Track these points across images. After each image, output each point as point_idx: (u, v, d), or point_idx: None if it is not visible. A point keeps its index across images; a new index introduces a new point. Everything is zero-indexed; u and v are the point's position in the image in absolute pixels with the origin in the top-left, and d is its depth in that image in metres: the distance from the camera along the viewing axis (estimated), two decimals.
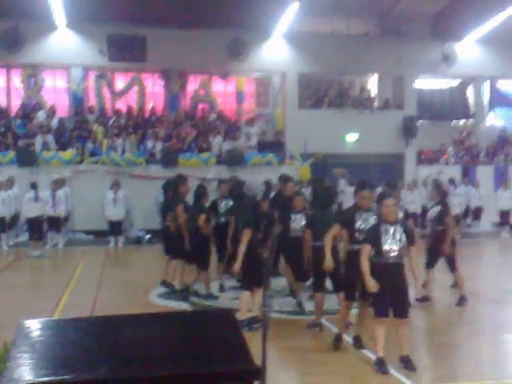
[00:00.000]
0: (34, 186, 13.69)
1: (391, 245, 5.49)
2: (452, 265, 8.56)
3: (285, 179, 9.22)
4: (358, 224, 6.12)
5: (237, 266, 6.97)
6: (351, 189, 10.42)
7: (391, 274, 5.49)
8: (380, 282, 5.43)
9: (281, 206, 8.39)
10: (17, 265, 12.47)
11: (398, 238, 5.51)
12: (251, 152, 17.01)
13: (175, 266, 8.96)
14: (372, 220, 6.05)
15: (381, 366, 5.50)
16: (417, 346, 6.64)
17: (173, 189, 9.05)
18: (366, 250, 5.53)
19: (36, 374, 2.68)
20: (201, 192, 8.55)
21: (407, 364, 5.54)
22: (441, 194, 8.77)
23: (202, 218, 8.26)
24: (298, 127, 18.01)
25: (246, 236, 6.92)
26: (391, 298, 5.48)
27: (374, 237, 5.53)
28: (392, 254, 5.47)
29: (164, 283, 9.15)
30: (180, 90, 19.01)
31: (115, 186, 14.86)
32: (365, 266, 5.50)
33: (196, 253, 8.37)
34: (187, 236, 8.38)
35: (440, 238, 8.40)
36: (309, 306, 7.78)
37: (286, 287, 8.72)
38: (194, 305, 8.20)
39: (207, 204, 8.94)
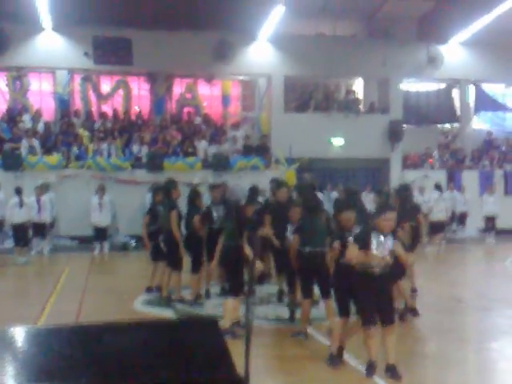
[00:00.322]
0: (18, 191, 13.55)
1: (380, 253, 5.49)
2: None
3: (278, 184, 8.96)
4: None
5: (213, 264, 7.24)
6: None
7: (376, 281, 5.49)
8: (366, 289, 5.46)
9: (274, 213, 8.05)
10: (1, 272, 12.35)
11: (387, 247, 5.51)
12: (237, 156, 17.02)
13: (163, 270, 8.93)
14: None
15: (370, 371, 5.56)
16: (402, 355, 6.66)
17: (164, 194, 8.99)
18: (353, 249, 5.50)
19: (17, 382, 2.67)
20: (194, 196, 8.74)
21: (393, 373, 5.54)
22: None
23: (197, 218, 8.34)
24: (283, 131, 18.05)
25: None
26: (377, 306, 5.50)
27: (364, 242, 5.51)
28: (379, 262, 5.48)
29: (149, 289, 9.14)
30: (166, 94, 18.97)
31: (100, 191, 14.76)
32: (331, 260, 5.73)
33: (191, 255, 8.63)
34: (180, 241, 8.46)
35: None
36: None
37: (272, 294, 8.75)
38: (177, 312, 8.17)
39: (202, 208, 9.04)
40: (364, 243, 5.49)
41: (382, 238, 5.49)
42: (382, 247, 5.47)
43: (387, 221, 5.51)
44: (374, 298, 5.45)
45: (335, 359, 5.94)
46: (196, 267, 8.63)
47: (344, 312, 6.11)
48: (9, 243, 14.73)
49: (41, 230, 14.22)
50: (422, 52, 19.74)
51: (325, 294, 6.81)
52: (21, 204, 13.37)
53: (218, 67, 18.59)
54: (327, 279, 6.63)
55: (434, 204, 16.27)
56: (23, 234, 13.46)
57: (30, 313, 7.92)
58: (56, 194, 15.08)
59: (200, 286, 8.87)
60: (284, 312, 7.87)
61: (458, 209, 17.47)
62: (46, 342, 3.07)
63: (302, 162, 17.37)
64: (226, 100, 19.67)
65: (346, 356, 6.15)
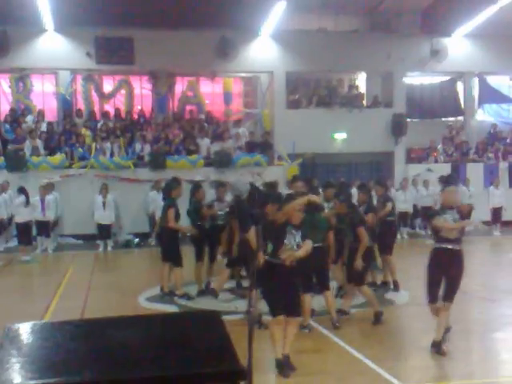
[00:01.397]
0: (23, 190, 13.64)
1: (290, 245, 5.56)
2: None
3: (293, 178, 9.26)
4: None
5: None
6: None
7: (284, 273, 5.55)
8: (276, 280, 5.50)
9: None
10: (7, 270, 12.41)
11: (297, 240, 5.61)
12: (239, 153, 17.02)
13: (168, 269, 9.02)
14: None
15: (280, 368, 5.54)
16: (407, 346, 6.69)
17: (166, 192, 9.14)
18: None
19: (22, 377, 2.69)
20: (195, 189, 9.03)
21: (287, 363, 5.58)
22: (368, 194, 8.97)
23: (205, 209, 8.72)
24: (286, 127, 18.03)
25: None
26: (284, 297, 5.53)
27: (278, 235, 5.57)
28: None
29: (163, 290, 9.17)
30: (168, 92, 18.99)
31: (104, 189, 14.83)
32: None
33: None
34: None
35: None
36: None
37: None
38: (181, 307, 8.22)
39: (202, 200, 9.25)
40: (279, 238, 5.59)
41: (293, 230, 5.55)
42: (292, 239, 5.51)
43: (297, 212, 5.63)
44: (283, 288, 5.51)
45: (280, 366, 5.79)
46: (199, 256, 8.97)
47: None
48: (14, 242, 14.85)
49: (45, 228, 14.31)
50: (426, 45, 19.66)
51: (324, 288, 7.09)
52: (27, 203, 13.46)
53: (219, 65, 18.58)
54: (327, 273, 6.99)
55: (439, 197, 16.24)
56: (27, 233, 13.54)
57: (35, 310, 7.98)
58: (60, 193, 15.14)
59: (201, 279, 9.06)
60: None
61: (463, 202, 17.41)
62: (51, 336, 3.09)
63: (306, 157, 17.37)
64: (228, 97, 19.66)
65: (352, 349, 6.17)
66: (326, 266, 7.05)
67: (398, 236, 16.01)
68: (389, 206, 9.28)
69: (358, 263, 7.17)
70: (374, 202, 9.48)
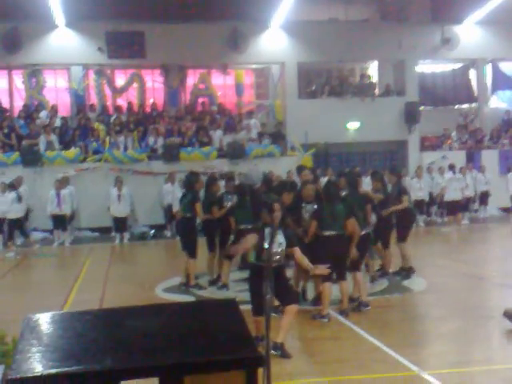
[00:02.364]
0: (13, 187, 13.85)
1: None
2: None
3: (300, 168, 9.47)
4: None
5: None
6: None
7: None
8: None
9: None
10: (26, 263, 12.56)
11: (280, 241, 5.66)
12: (252, 144, 17.02)
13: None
14: None
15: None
16: (426, 332, 6.67)
17: (188, 186, 9.30)
18: (250, 240, 5.67)
19: (43, 365, 2.72)
20: (210, 182, 9.27)
21: (282, 351, 5.63)
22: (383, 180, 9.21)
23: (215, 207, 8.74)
24: (298, 117, 17.99)
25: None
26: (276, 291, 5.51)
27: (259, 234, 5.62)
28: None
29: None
30: (180, 85, 19.03)
31: (118, 182, 14.93)
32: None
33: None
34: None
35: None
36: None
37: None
38: (198, 297, 8.30)
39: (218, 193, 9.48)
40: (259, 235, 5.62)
41: (269, 230, 5.52)
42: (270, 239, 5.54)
43: (276, 212, 5.64)
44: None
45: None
46: (211, 247, 9.17)
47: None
48: (32, 235, 15.05)
49: (61, 222, 14.47)
50: (437, 33, 19.49)
51: (341, 276, 7.11)
52: (18, 199, 13.70)
53: (231, 57, 18.56)
54: (344, 262, 7.02)
55: (447, 184, 16.19)
56: (21, 229, 13.95)
57: (54, 302, 8.07)
58: (75, 187, 15.27)
59: (213, 269, 9.21)
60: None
61: (479, 188, 17.33)
62: (71, 326, 3.13)
63: (318, 147, 17.33)
64: (239, 89, 19.65)
65: (370, 336, 6.17)
66: (344, 255, 7.08)
67: (414, 224, 16.04)
68: (405, 199, 9.23)
69: (353, 252, 7.20)
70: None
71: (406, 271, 9.23)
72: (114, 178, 15.15)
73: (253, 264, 5.74)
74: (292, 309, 5.76)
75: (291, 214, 7.25)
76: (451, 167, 16.57)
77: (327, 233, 6.98)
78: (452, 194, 16.10)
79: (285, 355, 5.62)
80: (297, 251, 5.86)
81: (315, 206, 7.41)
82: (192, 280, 8.91)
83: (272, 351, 6.12)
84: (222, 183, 10.35)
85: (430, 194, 16.68)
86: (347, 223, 7.09)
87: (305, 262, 5.94)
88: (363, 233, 7.48)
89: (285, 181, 10.08)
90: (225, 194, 9.45)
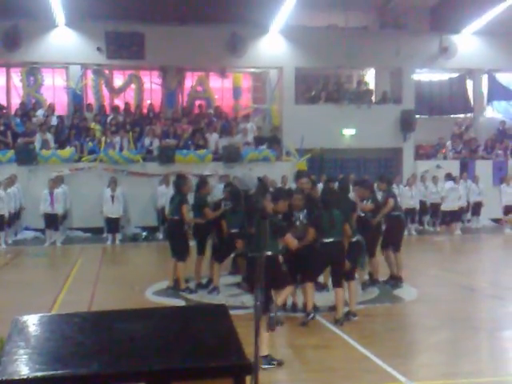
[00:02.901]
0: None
1: None
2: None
3: (298, 174, 9.27)
4: None
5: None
6: None
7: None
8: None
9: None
10: (15, 263, 12.50)
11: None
12: (248, 148, 17.02)
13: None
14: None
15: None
16: (416, 343, 6.68)
17: (176, 188, 9.28)
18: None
19: (29, 368, 2.71)
20: (200, 184, 9.18)
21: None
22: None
23: (208, 210, 8.80)
24: (294, 122, 18.01)
25: None
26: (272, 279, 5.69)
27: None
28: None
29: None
30: (177, 87, 19.02)
31: (112, 183, 14.90)
32: None
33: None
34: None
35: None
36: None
37: None
38: (189, 301, 8.27)
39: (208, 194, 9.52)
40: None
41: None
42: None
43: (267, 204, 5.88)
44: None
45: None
46: (200, 250, 9.13)
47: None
48: (23, 235, 15.00)
49: (54, 221, 14.41)
50: (435, 42, 19.58)
51: (338, 283, 7.10)
52: None
53: (229, 60, 18.58)
54: (341, 269, 7.03)
55: (447, 194, 16.24)
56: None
57: (43, 302, 8.03)
58: (69, 186, 15.24)
59: (200, 273, 9.18)
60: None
61: (473, 199, 17.38)
62: (59, 328, 3.12)
63: (314, 152, 17.36)
64: (237, 92, 19.67)
65: (360, 346, 6.17)
66: (341, 262, 7.08)
67: (406, 232, 16.07)
68: (391, 201, 9.26)
69: (346, 263, 7.23)
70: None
71: (396, 280, 9.23)
72: (109, 179, 15.11)
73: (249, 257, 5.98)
74: (287, 289, 6.29)
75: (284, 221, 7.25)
76: (450, 176, 16.56)
77: (326, 240, 6.98)
78: (449, 204, 16.14)
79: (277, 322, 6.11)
80: (288, 237, 6.22)
81: (304, 214, 7.42)
82: (182, 284, 8.88)
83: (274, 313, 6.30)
84: (219, 186, 10.31)
85: (423, 203, 16.72)
86: (345, 228, 7.11)
87: (294, 243, 6.41)
88: (354, 239, 7.49)
89: (281, 188, 10.04)
90: (223, 201, 9.36)
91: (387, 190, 9.59)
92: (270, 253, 5.81)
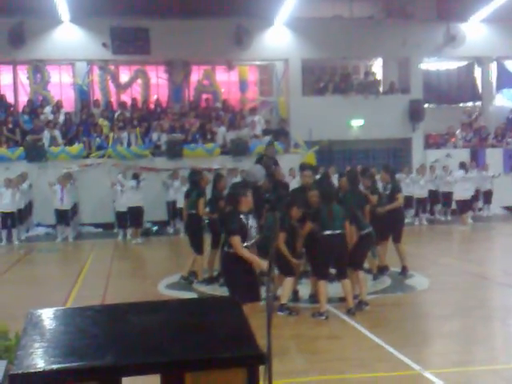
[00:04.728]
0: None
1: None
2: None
3: (302, 167, 9.12)
4: None
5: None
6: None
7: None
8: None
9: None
10: (28, 259, 12.59)
11: (250, 223, 5.63)
12: (255, 141, 17.00)
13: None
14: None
15: None
16: (428, 331, 6.66)
17: (193, 183, 9.42)
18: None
19: (45, 361, 2.73)
20: (216, 179, 9.16)
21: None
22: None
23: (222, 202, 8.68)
24: (302, 114, 17.96)
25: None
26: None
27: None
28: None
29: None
30: (184, 81, 19.02)
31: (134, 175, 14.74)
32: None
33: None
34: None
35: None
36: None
37: None
38: (201, 294, 8.31)
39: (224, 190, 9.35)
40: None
41: (243, 217, 5.56)
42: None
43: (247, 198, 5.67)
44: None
45: None
46: (215, 244, 9.10)
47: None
48: (35, 231, 15.09)
49: (65, 217, 14.47)
50: (442, 31, 19.42)
51: (342, 275, 7.17)
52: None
53: (235, 53, 18.54)
54: (345, 261, 7.10)
55: (460, 183, 16.14)
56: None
57: (56, 298, 8.09)
58: (78, 182, 15.30)
59: (213, 266, 9.15)
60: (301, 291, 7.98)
61: (483, 187, 17.27)
62: (73, 322, 3.14)
63: (322, 144, 17.31)
64: (243, 85, 19.64)
65: (372, 335, 6.17)
66: (344, 254, 7.10)
67: (417, 222, 16.01)
68: (400, 197, 9.22)
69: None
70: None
71: (383, 269, 9.18)
72: (117, 174, 15.09)
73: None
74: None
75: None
76: (462, 165, 16.44)
77: (327, 232, 7.01)
78: (462, 193, 15.99)
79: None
80: (280, 236, 6.44)
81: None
82: (200, 276, 8.98)
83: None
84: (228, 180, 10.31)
85: (433, 192, 16.64)
86: (346, 225, 7.12)
87: (284, 249, 6.87)
88: (365, 232, 7.48)
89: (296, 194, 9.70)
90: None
91: (392, 180, 9.53)
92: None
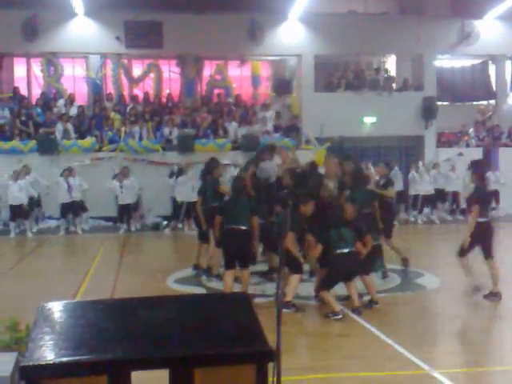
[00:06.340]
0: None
1: None
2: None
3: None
4: None
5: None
6: None
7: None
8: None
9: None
10: (39, 251, 12.67)
11: None
12: (267, 137, 16.97)
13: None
14: None
15: None
16: (438, 331, 6.63)
17: (207, 172, 9.27)
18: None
19: (55, 354, 2.75)
20: (212, 166, 9.02)
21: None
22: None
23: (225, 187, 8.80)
24: (314, 111, 17.89)
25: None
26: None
27: None
28: None
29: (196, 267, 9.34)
30: (196, 76, 19.02)
31: (120, 174, 14.89)
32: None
33: None
34: None
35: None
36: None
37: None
38: (210, 289, 8.31)
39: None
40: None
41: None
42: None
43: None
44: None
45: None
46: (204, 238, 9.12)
47: None
48: (46, 223, 15.16)
49: (74, 209, 14.59)
50: (457, 27, 19.24)
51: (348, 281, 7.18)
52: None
53: (248, 48, 18.49)
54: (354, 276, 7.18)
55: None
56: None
57: (66, 291, 8.14)
58: (90, 176, 15.34)
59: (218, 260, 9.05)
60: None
61: (496, 187, 17.14)
62: (84, 315, 3.15)
63: (334, 140, 17.24)
64: (256, 81, 19.60)
65: (382, 334, 6.15)
66: (355, 271, 7.11)
67: (425, 219, 15.96)
68: (391, 190, 9.22)
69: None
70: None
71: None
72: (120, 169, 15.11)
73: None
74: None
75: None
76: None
77: (338, 251, 6.96)
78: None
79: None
80: (290, 235, 6.53)
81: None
82: (216, 270, 8.87)
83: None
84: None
85: (442, 191, 16.60)
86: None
87: (292, 249, 6.89)
88: (374, 244, 7.49)
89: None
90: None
91: (386, 176, 9.51)
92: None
